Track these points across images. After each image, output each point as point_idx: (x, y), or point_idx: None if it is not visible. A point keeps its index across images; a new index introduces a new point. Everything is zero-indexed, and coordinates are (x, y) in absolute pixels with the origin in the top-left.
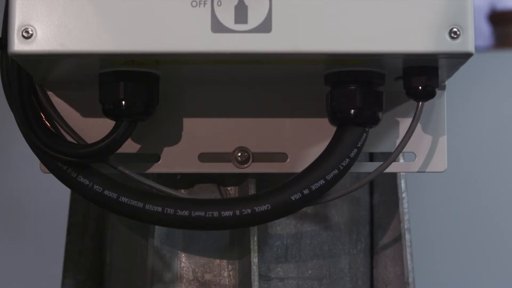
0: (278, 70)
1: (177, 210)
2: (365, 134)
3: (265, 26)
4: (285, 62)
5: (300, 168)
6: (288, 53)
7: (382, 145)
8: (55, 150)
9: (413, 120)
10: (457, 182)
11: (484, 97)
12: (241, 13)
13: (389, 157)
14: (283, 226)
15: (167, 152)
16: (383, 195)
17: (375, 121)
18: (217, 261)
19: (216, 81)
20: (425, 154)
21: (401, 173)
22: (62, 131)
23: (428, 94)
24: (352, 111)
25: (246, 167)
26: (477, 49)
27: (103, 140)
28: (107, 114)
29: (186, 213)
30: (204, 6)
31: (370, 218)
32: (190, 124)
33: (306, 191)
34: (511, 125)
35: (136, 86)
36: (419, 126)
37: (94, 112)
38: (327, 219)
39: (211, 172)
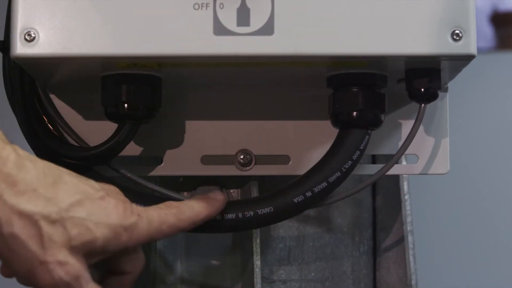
0: (280, 72)
1: None
2: (367, 136)
3: (268, 29)
4: (288, 65)
5: (302, 170)
6: (291, 55)
7: (384, 147)
8: (57, 153)
9: (415, 122)
10: (459, 184)
11: (486, 98)
12: (243, 15)
13: (392, 159)
14: (286, 229)
15: (170, 155)
16: (386, 197)
17: (377, 123)
18: (220, 263)
19: (218, 84)
20: (428, 156)
21: (404, 175)
22: (64, 134)
23: (431, 96)
24: (355, 113)
25: (249, 169)
26: (479, 50)
27: (105, 143)
28: (110, 117)
29: None
30: (206, 8)
31: (372, 220)
32: (193, 127)
33: (308, 194)
34: None
35: (139, 89)
36: (421, 128)
37: (96, 115)
38: (329, 221)
39: (213, 174)
